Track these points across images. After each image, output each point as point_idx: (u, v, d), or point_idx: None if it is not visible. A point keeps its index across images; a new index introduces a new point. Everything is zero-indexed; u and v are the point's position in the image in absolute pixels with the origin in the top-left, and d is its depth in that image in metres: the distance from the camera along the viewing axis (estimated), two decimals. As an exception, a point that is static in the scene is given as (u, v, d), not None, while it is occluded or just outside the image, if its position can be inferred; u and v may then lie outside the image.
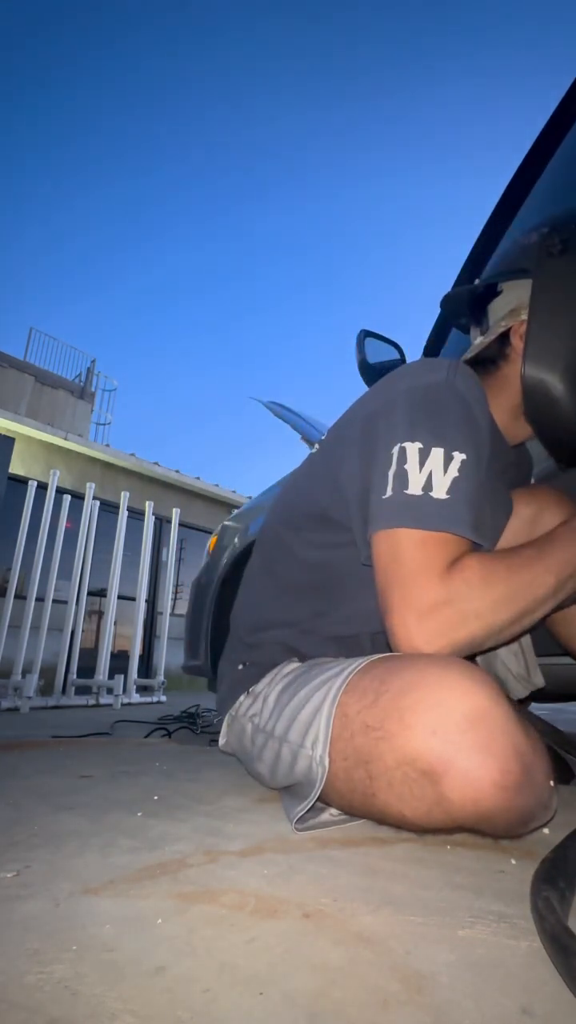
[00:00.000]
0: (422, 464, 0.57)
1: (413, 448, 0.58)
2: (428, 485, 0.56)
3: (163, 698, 3.62)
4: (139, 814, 0.67)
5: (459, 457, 0.58)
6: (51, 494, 3.46)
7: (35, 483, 3.47)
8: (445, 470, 0.56)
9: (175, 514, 4.35)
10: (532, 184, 1.37)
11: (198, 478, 7.36)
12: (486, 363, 0.74)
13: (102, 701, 3.26)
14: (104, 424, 8.37)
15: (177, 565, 6.48)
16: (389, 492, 0.57)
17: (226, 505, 7.59)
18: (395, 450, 0.59)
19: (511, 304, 0.73)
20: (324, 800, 0.58)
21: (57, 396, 7.35)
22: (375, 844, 0.55)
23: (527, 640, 0.87)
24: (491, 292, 0.76)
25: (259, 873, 0.47)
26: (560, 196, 1.19)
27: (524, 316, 0.70)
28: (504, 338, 0.73)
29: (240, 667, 0.75)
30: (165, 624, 4.12)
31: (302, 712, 0.58)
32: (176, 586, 6.78)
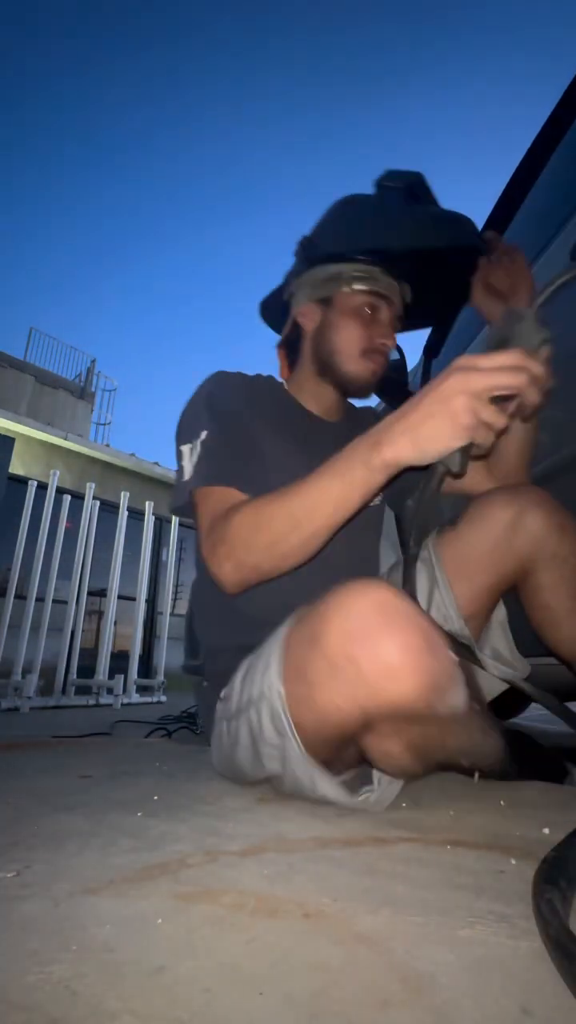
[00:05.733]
0: (185, 456, 0.79)
1: (184, 448, 0.80)
2: (190, 463, 0.77)
3: (163, 698, 3.62)
4: (139, 814, 0.66)
5: (202, 437, 0.77)
6: (51, 494, 3.46)
7: (35, 483, 3.47)
8: (195, 453, 0.77)
9: (175, 514, 4.34)
10: (527, 191, 1.37)
11: (198, 478, 7.35)
12: (293, 349, 0.93)
13: (102, 701, 3.26)
14: (104, 424, 8.38)
15: (177, 565, 6.48)
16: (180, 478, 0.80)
17: (226, 505, 7.57)
18: (176, 453, 0.81)
19: (298, 298, 0.90)
20: (301, 735, 0.60)
21: (57, 396, 7.35)
22: (375, 844, 0.55)
23: (500, 625, 0.85)
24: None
25: (259, 873, 0.47)
26: (557, 204, 1.19)
27: (302, 303, 0.90)
28: (296, 324, 0.91)
29: (206, 686, 0.83)
30: (165, 624, 4.11)
31: (255, 672, 0.65)
32: (176, 586, 6.77)
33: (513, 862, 0.49)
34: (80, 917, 0.39)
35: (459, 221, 0.86)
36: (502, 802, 0.70)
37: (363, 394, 0.91)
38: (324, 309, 0.87)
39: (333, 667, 0.54)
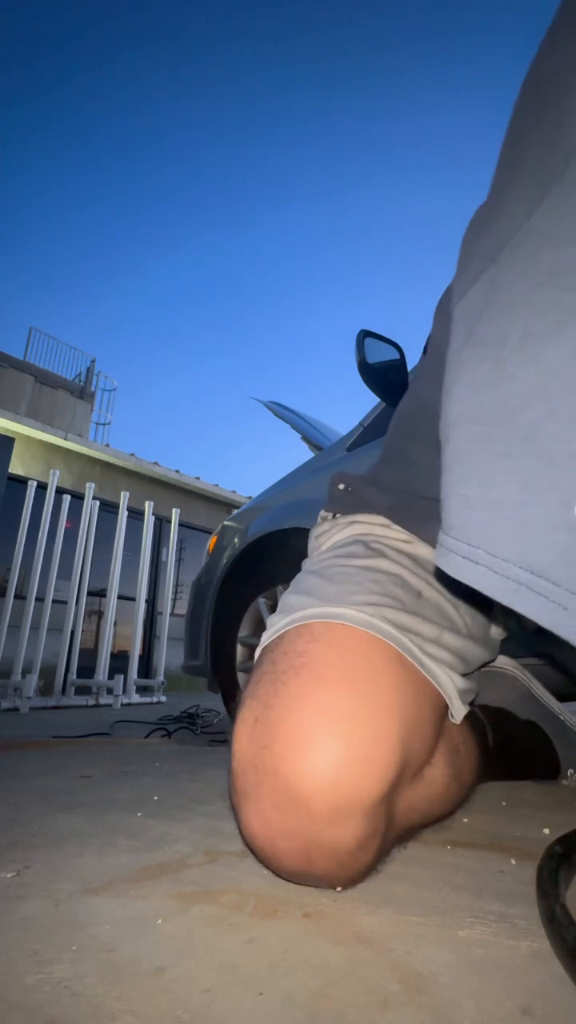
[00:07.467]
0: None
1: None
2: None
3: (163, 698, 3.62)
4: (139, 814, 0.66)
5: None
6: (51, 494, 3.46)
7: (35, 483, 3.47)
8: None
9: (175, 514, 4.35)
10: None
11: (198, 478, 7.37)
12: None
13: (102, 701, 3.26)
14: (104, 424, 8.38)
15: (177, 565, 6.49)
16: None
17: (226, 505, 7.60)
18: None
19: None
20: None
21: (57, 396, 7.35)
22: (375, 844, 0.55)
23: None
24: None
25: (259, 873, 0.47)
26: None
27: None
28: None
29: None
30: (165, 624, 4.12)
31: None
32: (176, 586, 6.78)
33: (513, 862, 0.49)
34: (80, 917, 0.38)
35: None
36: (503, 802, 0.70)
37: None
38: None
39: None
